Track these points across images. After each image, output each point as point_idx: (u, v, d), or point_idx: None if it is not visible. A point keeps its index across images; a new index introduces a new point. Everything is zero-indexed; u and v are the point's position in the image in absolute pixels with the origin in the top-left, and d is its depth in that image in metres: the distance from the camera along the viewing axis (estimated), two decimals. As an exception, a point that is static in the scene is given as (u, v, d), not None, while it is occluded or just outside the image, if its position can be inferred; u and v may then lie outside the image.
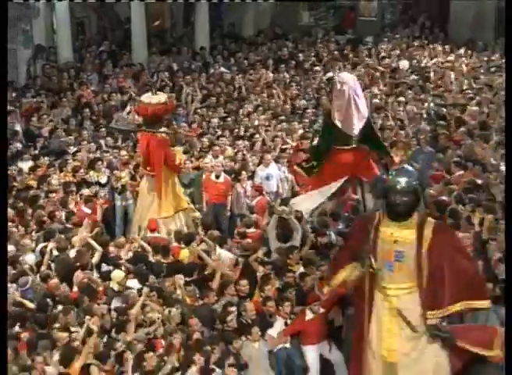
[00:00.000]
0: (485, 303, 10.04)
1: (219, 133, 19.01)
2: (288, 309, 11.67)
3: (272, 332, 11.52)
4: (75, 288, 12.39)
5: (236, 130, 19.32)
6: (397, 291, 9.78)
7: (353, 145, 13.79)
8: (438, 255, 9.61)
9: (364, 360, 9.95)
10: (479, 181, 15.62)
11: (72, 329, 11.09)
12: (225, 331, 11.30)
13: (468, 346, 9.65)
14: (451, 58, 25.10)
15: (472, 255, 12.71)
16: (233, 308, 11.48)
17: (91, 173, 16.70)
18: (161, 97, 15.20)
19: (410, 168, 10.95)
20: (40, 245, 13.55)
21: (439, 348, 9.76)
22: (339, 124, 13.71)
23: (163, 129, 15.05)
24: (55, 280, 12.38)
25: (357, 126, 13.70)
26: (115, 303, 12.05)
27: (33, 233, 14.19)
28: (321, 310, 11.56)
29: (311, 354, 11.65)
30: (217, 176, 15.99)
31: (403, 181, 9.67)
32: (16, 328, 11.29)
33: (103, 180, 16.42)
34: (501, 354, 9.60)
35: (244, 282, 12.19)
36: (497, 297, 12.33)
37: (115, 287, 12.45)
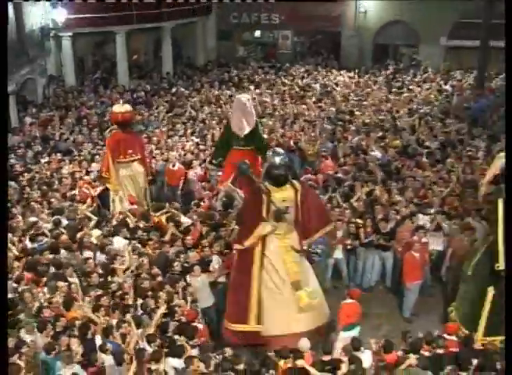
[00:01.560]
0: (332, 227, 11.07)
1: (181, 133, 18.68)
2: (218, 249, 11.80)
3: (213, 265, 11.45)
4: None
5: (193, 132, 18.98)
6: (287, 233, 10.34)
7: (243, 146, 14.08)
8: (303, 202, 10.27)
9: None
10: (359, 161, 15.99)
11: (70, 279, 10.85)
12: (173, 274, 11.14)
13: None
14: (343, 78, 25.19)
15: (364, 215, 12.76)
16: (182, 256, 11.52)
17: (93, 164, 16.30)
18: (127, 107, 14.70)
19: (280, 150, 12.14)
20: (54, 217, 13.17)
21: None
22: (235, 129, 14.07)
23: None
24: (65, 237, 12.31)
25: (246, 130, 14.04)
26: (100, 256, 11.93)
27: (46, 210, 13.78)
28: None
29: None
30: (173, 165, 15.68)
31: (277, 159, 10.53)
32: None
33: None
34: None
35: (189, 237, 12.21)
36: (379, 244, 12.47)
37: (95, 241, 12.41)
